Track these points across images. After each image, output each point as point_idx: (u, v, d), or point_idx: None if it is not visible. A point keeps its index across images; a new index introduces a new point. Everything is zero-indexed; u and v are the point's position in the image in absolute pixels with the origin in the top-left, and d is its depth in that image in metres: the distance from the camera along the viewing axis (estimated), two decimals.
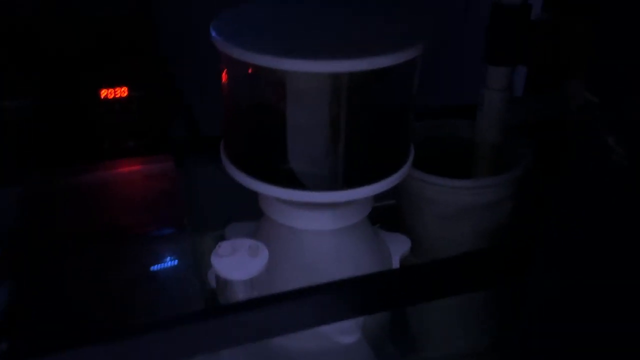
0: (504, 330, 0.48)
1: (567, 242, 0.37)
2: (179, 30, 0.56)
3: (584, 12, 0.49)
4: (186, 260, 0.41)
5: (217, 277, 0.40)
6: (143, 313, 0.40)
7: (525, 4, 0.49)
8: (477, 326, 0.51)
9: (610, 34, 0.30)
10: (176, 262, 0.47)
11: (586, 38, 0.48)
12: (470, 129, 0.55)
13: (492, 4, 0.49)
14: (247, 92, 0.40)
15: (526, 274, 0.39)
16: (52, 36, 0.49)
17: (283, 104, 0.38)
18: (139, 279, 0.39)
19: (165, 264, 0.47)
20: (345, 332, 0.43)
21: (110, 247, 0.41)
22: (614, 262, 0.34)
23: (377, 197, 0.46)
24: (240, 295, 0.41)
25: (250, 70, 0.38)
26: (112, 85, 0.51)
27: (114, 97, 0.51)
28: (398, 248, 0.51)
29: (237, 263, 0.40)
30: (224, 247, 0.41)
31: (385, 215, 0.54)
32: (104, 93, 0.51)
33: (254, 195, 0.48)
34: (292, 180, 0.40)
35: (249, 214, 0.53)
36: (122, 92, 0.51)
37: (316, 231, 0.45)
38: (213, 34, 0.39)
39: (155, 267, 0.45)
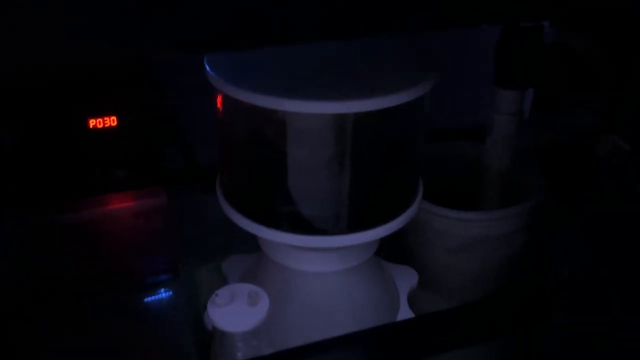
0: None
1: (592, 290, 0.34)
2: (172, 57, 0.53)
3: (594, 34, 0.47)
4: (179, 312, 0.38)
5: (215, 328, 0.38)
6: (143, 353, 0.38)
7: (537, 26, 0.46)
8: None
9: None
10: (174, 296, 0.45)
11: (601, 63, 0.46)
12: (477, 151, 0.52)
13: (503, 26, 0.46)
14: (244, 130, 0.37)
15: (545, 321, 0.36)
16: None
17: (283, 144, 0.35)
18: (130, 331, 0.36)
19: (163, 299, 0.44)
20: None
21: (99, 296, 0.38)
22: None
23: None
24: (240, 346, 0.38)
25: (247, 110, 0.35)
26: (100, 114, 0.48)
27: (103, 127, 0.48)
28: (406, 282, 0.48)
29: (236, 313, 0.37)
30: (221, 295, 0.38)
31: (390, 243, 0.52)
32: (92, 123, 0.48)
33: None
34: (293, 224, 0.38)
35: (245, 244, 0.50)
36: (112, 121, 0.48)
37: (320, 273, 0.42)
38: (207, 68, 0.36)
39: (153, 304, 0.43)
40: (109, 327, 0.37)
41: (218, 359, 0.39)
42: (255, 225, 0.38)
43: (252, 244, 0.49)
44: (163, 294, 0.45)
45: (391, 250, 0.50)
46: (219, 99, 0.37)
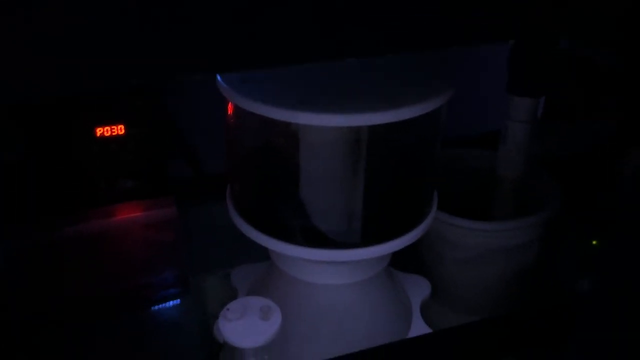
0: None
1: (614, 306, 0.33)
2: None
3: (607, 43, 0.46)
4: (188, 324, 0.37)
5: (226, 343, 0.37)
6: None
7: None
8: None
9: None
10: (182, 305, 0.44)
11: (617, 71, 0.45)
12: (490, 160, 0.51)
13: None
14: (256, 142, 0.36)
15: (565, 339, 0.35)
16: None
17: (296, 156, 0.35)
18: (139, 346, 0.36)
19: (172, 308, 0.44)
20: None
21: (107, 311, 0.37)
22: None
23: None
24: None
25: (259, 123, 0.34)
26: (108, 123, 0.47)
27: (110, 135, 0.48)
28: (418, 293, 0.48)
29: (248, 328, 0.37)
30: (233, 309, 0.37)
31: (403, 253, 0.51)
32: (99, 131, 0.47)
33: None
34: (305, 237, 0.37)
35: (254, 253, 0.49)
36: (119, 130, 0.48)
37: (331, 285, 0.41)
38: (219, 79, 0.35)
39: (161, 312, 0.42)
40: (118, 342, 0.36)
41: None
42: (267, 238, 0.38)
43: (261, 253, 0.48)
44: (171, 305, 0.44)
45: (403, 259, 0.49)
46: (231, 111, 0.36)
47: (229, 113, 0.37)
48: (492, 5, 0.26)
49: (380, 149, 0.34)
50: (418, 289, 0.48)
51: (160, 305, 0.44)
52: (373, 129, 0.33)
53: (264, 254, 0.47)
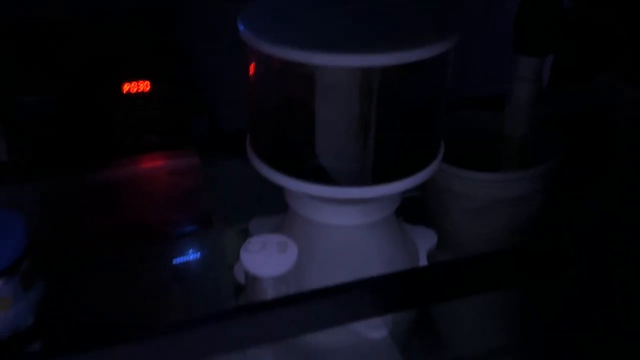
0: (531, 329, 0.47)
1: (611, 240, 0.36)
2: (200, 24, 0.55)
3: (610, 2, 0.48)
4: (214, 256, 0.40)
5: (246, 273, 0.40)
6: (171, 310, 0.40)
7: None
8: (503, 324, 0.50)
9: None
10: (202, 258, 0.47)
11: (619, 29, 0.47)
12: (497, 121, 0.54)
13: None
14: (275, 86, 0.39)
15: (564, 274, 0.38)
16: (76, 31, 0.49)
17: (312, 98, 0.37)
18: (167, 276, 0.39)
19: (192, 261, 0.47)
20: (374, 328, 0.42)
21: (138, 245, 0.40)
22: None
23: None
24: (269, 291, 0.40)
25: (278, 65, 0.37)
26: (134, 79, 0.50)
27: (137, 92, 0.51)
28: (424, 243, 0.50)
29: (267, 260, 0.40)
30: (253, 243, 0.40)
31: (410, 207, 0.54)
32: (126, 87, 0.50)
33: (276, 190, 0.48)
34: (320, 176, 0.40)
35: (270, 208, 0.52)
36: (145, 86, 0.51)
37: (343, 226, 0.44)
38: (240, 27, 0.38)
39: (182, 265, 0.45)
40: (147, 274, 0.39)
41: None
42: (286, 178, 0.40)
43: (276, 207, 0.51)
44: (193, 249, 0.47)
45: (410, 215, 0.52)
46: (251, 57, 0.39)
47: (250, 59, 0.39)
48: None
49: (392, 91, 0.37)
50: (425, 239, 0.50)
51: (186, 262, 0.47)
52: (385, 70, 0.36)
53: (280, 208, 0.50)
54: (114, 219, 0.41)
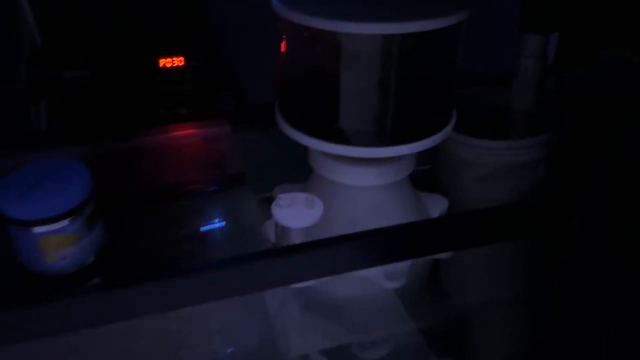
0: (535, 280, 0.51)
1: (613, 196, 0.40)
2: (227, 6, 0.59)
3: None
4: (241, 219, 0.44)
5: (277, 226, 0.44)
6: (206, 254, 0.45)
7: None
8: (513, 273, 0.54)
9: None
10: (231, 219, 0.51)
11: (622, 7, 0.51)
12: (505, 96, 0.57)
13: None
14: (304, 55, 0.43)
15: (568, 226, 0.42)
16: (117, 9, 0.53)
17: (338, 65, 0.41)
18: (201, 227, 0.43)
19: (218, 226, 0.51)
20: (390, 278, 0.47)
21: (175, 200, 0.45)
22: None
23: (416, 162, 0.49)
24: (297, 242, 0.45)
25: (308, 34, 0.41)
26: (170, 55, 0.54)
27: (172, 66, 0.55)
28: (436, 208, 0.54)
29: (295, 213, 0.44)
30: (283, 199, 0.44)
31: (423, 180, 0.58)
32: (162, 62, 0.55)
33: (298, 161, 0.52)
34: (343, 137, 0.44)
35: (291, 178, 0.56)
36: (179, 61, 0.55)
37: (362, 187, 0.48)
38: (274, 1, 0.42)
39: (218, 219, 0.49)
40: (185, 223, 0.44)
41: None
42: (312, 140, 0.44)
43: (297, 176, 0.55)
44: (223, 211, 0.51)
45: (425, 188, 0.56)
46: (283, 27, 0.43)
47: (281, 30, 0.43)
48: None
49: (410, 58, 0.41)
50: (436, 205, 0.54)
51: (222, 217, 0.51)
52: (404, 38, 0.40)
53: (301, 177, 0.55)
54: (161, 177, 0.46)
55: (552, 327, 0.46)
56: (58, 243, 0.37)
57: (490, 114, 0.60)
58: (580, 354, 0.42)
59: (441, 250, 0.45)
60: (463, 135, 0.53)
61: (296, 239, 0.44)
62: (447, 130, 0.46)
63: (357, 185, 0.48)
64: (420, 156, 0.50)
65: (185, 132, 0.50)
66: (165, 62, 0.54)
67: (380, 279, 0.47)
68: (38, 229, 0.36)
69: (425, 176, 0.60)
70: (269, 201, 0.59)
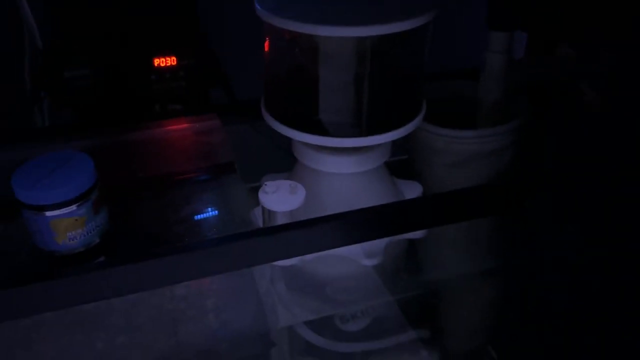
0: (505, 254, 0.56)
1: (556, 176, 0.45)
2: (217, 8, 0.64)
3: None
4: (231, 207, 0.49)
5: (263, 210, 0.49)
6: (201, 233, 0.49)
7: None
8: (479, 249, 0.59)
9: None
10: (221, 208, 0.56)
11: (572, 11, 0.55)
12: (475, 89, 0.62)
13: None
14: (286, 55, 0.48)
15: (526, 204, 0.47)
16: (114, 12, 0.57)
17: (316, 64, 0.46)
18: (193, 212, 0.48)
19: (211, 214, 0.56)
20: (367, 256, 0.51)
21: (174, 187, 0.49)
22: (595, 186, 0.42)
23: (392, 153, 0.54)
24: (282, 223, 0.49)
25: (289, 37, 0.45)
26: (163, 54, 0.59)
27: (165, 65, 0.59)
28: (411, 193, 0.59)
29: (280, 199, 0.48)
30: (269, 185, 0.49)
31: (400, 168, 0.62)
32: (156, 62, 0.59)
33: (282, 153, 0.56)
34: (323, 129, 0.48)
35: (280, 168, 0.61)
36: (172, 60, 0.59)
37: (341, 174, 0.53)
38: (257, 7, 0.46)
39: (209, 205, 0.54)
40: (179, 209, 0.49)
41: None
42: (295, 132, 0.49)
43: (284, 167, 0.60)
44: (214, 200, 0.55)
45: (400, 176, 0.61)
46: (266, 31, 0.48)
47: (265, 33, 0.48)
48: None
49: (381, 56, 0.46)
50: (411, 190, 0.59)
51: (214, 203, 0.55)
52: (375, 39, 0.44)
53: (287, 167, 0.59)
54: (152, 168, 0.50)
55: (513, 296, 0.51)
56: (67, 225, 0.41)
57: (461, 105, 0.65)
58: (535, 319, 0.48)
59: (411, 229, 0.50)
60: (434, 126, 0.58)
61: (281, 221, 0.49)
62: (418, 120, 0.51)
63: (337, 173, 0.53)
64: (397, 146, 0.55)
65: (179, 126, 0.54)
66: (159, 61, 0.59)
67: (358, 258, 0.51)
68: (50, 213, 0.41)
69: (402, 165, 0.65)
70: (257, 190, 0.64)
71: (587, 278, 0.44)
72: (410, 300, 0.55)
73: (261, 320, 0.55)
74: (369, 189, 0.54)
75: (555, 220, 0.47)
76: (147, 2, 0.57)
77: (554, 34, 0.59)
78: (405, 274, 0.57)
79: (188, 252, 0.42)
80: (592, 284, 0.43)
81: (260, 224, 0.52)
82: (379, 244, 0.52)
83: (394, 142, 0.52)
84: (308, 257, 0.51)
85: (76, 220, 0.41)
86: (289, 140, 0.53)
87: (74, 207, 0.41)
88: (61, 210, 0.40)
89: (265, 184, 0.49)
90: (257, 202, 0.50)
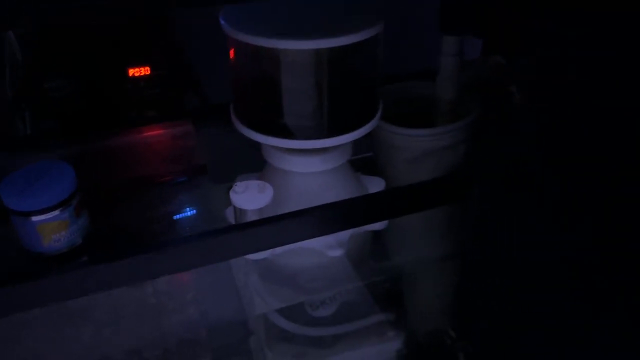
0: (457, 241, 0.61)
1: (494, 167, 0.49)
2: (190, 20, 0.67)
3: None
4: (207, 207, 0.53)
5: (235, 209, 0.53)
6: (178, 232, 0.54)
7: None
8: (438, 238, 0.64)
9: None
10: (197, 208, 0.60)
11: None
12: (431, 89, 0.67)
13: None
14: (250, 65, 0.52)
15: (467, 195, 0.52)
16: (88, 28, 0.61)
17: (278, 73, 0.50)
18: (170, 213, 0.52)
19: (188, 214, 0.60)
20: (331, 248, 0.56)
21: (151, 190, 0.53)
22: (523, 178, 0.47)
23: (357, 150, 0.58)
24: (253, 220, 0.54)
25: (252, 50, 0.50)
26: (137, 65, 0.62)
27: (139, 75, 0.63)
28: (375, 188, 0.63)
29: (250, 198, 0.53)
30: (239, 186, 0.53)
31: (365, 165, 0.67)
32: (131, 71, 0.62)
33: (255, 154, 0.60)
34: (288, 133, 0.53)
35: (250, 168, 0.65)
36: (146, 70, 0.63)
37: (308, 173, 0.57)
38: (222, 21, 0.50)
39: (185, 205, 0.58)
40: (157, 209, 0.53)
41: None
42: (262, 136, 0.53)
43: (255, 168, 0.64)
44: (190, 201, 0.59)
45: (365, 172, 0.66)
46: (232, 44, 0.52)
47: (230, 46, 0.52)
48: None
49: (338, 65, 0.50)
50: (375, 185, 0.64)
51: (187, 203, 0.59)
52: (331, 50, 0.48)
53: (259, 167, 0.63)
54: (130, 172, 0.54)
55: (467, 280, 0.56)
56: (52, 229, 0.45)
57: (420, 103, 0.70)
58: (486, 301, 0.53)
59: (368, 222, 0.54)
60: (393, 125, 0.62)
61: (252, 219, 0.53)
62: (375, 120, 0.55)
63: (303, 172, 0.57)
64: (362, 145, 0.60)
65: (155, 132, 0.58)
66: (134, 71, 0.62)
67: (324, 249, 0.56)
68: (36, 218, 0.44)
69: (367, 162, 0.69)
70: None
71: (526, 263, 0.49)
72: (376, 285, 0.60)
73: (239, 311, 0.59)
74: (334, 186, 0.59)
75: (495, 208, 0.52)
76: (122, 17, 0.60)
77: (490, 42, 0.64)
78: (372, 262, 0.62)
79: (165, 248, 0.46)
80: (530, 269, 0.48)
81: (233, 222, 0.57)
82: (342, 236, 0.56)
83: (359, 141, 0.57)
84: (278, 250, 0.55)
85: (60, 223, 0.45)
86: (258, 143, 0.57)
87: (57, 212, 0.45)
88: (46, 215, 0.44)
89: (236, 184, 0.54)
90: (230, 202, 0.54)
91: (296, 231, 0.49)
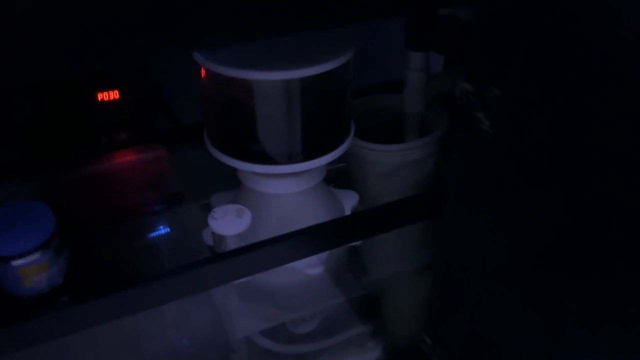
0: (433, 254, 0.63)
1: (464, 186, 0.52)
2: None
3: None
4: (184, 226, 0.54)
5: (213, 234, 0.54)
6: (157, 265, 0.54)
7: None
8: (413, 252, 0.67)
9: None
10: (174, 228, 0.61)
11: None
12: (398, 102, 0.69)
13: None
14: (223, 94, 0.52)
15: (439, 212, 0.54)
16: None
17: (251, 102, 0.51)
18: (149, 243, 0.52)
19: (164, 232, 0.60)
20: (311, 267, 0.57)
21: (127, 220, 0.53)
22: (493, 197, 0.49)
23: (331, 162, 0.60)
24: (232, 246, 0.55)
25: (225, 80, 0.50)
26: (106, 89, 0.62)
27: (108, 99, 0.62)
28: (349, 201, 0.65)
29: (228, 223, 0.53)
30: (217, 211, 0.54)
31: (338, 176, 0.69)
32: (100, 96, 0.62)
33: (230, 171, 0.61)
34: (263, 158, 0.54)
35: (226, 186, 0.66)
36: (115, 94, 0.62)
37: (283, 194, 0.58)
38: (195, 53, 0.51)
39: (159, 234, 0.58)
40: (135, 241, 0.53)
41: None
42: (237, 161, 0.54)
43: (230, 186, 0.64)
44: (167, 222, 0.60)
45: (340, 183, 0.67)
46: (204, 74, 0.52)
47: (203, 76, 0.52)
48: None
49: (309, 92, 0.51)
50: (349, 199, 0.65)
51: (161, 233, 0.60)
52: (301, 79, 0.49)
53: (233, 186, 0.64)
54: (109, 202, 0.54)
55: (441, 290, 0.59)
56: (33, 271, 0.45)
57: (389, 116, 0.71)
58: (460, 310, 0.55)
59: (346, 242, 0.56)
60: (365, 142, 0.64)
61: (231, 244, 0.54)
62: (347, 143, 0.57)
63: (278, 194, 0.58)
64: (336, 158, 0.61)
65: (127, 159, 0.58)
66: (102, 96, 0.62)
67: (303, 268, 0.57)
68: (16, 262, 0.44)
69: (341, 173, 0.71)
70: (207, 207, 0.69)
71: (498, 274, 0.52)
72: (355, 298, 0.62)
73: (219, 331, 0.60)
74: (310, 204, 0.60)
75: (465, 222, 0.54)
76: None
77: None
78: (350, 276, 0.64)
79: (149, 283, 0.46)
80: (502, 280, 0.50)
81: (211, 243, 0.57)
82: (319, 255, 0.58)
83: None
84: None
85: (41, 266, 0.45)
86: None
87: (38, 255, 0.45)
88: (26, 258, 0.44)
89: (214, 211, 0.54)
90: (207, 221, 0.54)
91: (277, 256, 0.50)
